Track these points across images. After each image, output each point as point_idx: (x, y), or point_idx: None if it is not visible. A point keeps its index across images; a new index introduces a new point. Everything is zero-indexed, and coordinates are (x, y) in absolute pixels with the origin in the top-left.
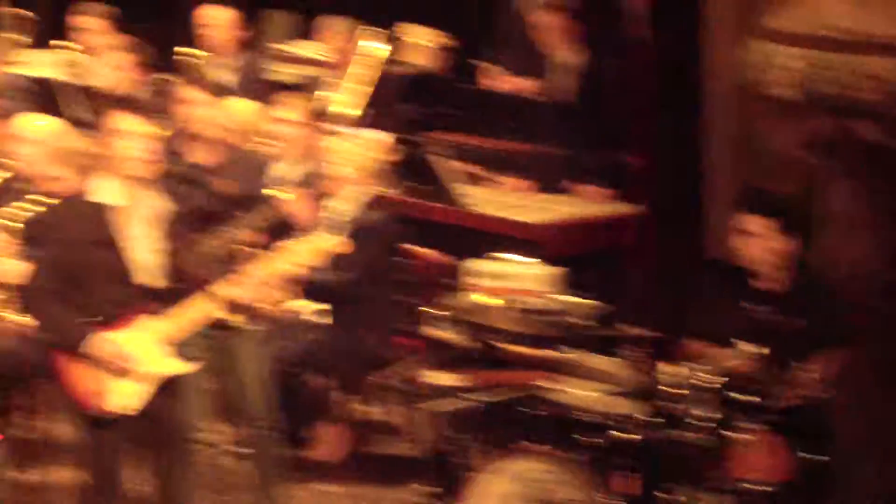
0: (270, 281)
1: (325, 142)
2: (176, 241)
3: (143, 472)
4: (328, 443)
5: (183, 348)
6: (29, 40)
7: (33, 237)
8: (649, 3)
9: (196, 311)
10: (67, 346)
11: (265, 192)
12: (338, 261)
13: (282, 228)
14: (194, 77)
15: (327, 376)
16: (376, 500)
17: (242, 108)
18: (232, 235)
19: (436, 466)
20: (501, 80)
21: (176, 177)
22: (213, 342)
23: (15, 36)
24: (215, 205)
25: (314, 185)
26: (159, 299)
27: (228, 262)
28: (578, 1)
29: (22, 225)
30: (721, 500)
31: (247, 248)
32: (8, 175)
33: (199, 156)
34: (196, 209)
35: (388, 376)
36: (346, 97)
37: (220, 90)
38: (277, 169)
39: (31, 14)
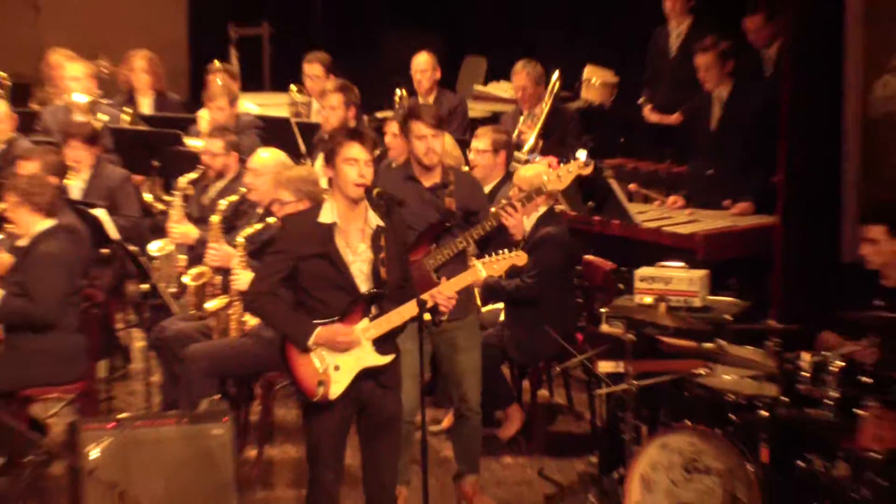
0: (470, 287)
1: (514, 167)
2: (384, 252)
3: (356, 450)
4: (515, 422)
5: (385, 343)
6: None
7: (257, 251)
8: (791, 44)
9: (402, 313)
10: (291, 338)
11: (485, 208)
12: (517, 268)
13: (493, 240)
14: (420, 113)
15: (513, 366)
16: (557, 470)
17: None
18: (455, 246)
19: (605, 441)
20: (654, 113)
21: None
22: (431, 336)
23: (235, 83)
24: (443, 219)
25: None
26: (372, 302)
27: (443, 269)
28: (728, 43)
29: (243, 241)
30: (848, 467)
31: (465, 256)
32: (236, 198)
33: (428, 179)
34: (427, 225)
35: (568, 366)
36: (534, 130)
37: (441, 123)
38: None
39: (236, 66)
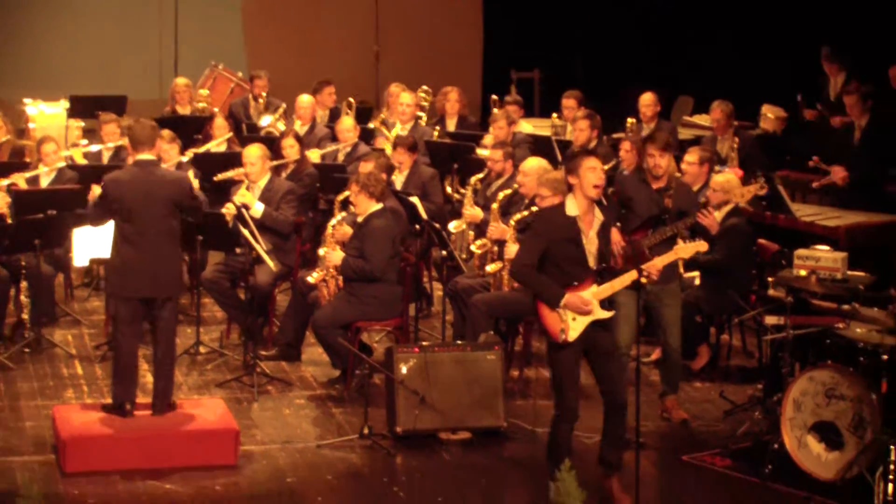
0: (671, 261)
1: (714, 176)
2: (606, 238)
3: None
4: (704, 357)
5: (606, 300)
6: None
7: (521, 230)
8: None
9: (623, 280)
10: (545, 300)
11: (694, 209)
12: (711, 249)
13: (693, 231)
14: (654, 138)
15: (703, 317)
16: (733, 393)
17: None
18: (666, 233)
19: (768, 373)
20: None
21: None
22: (644, 293)
23: (516, 110)
24: (660, 213)
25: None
26: (599, 274)
27: (654, 249)
28: (867, 87)
29: (514, 222)
30: None
31: (674, 241)
32: (510, 192)
33: (655, 183)
34: (648, 216)
35: (743, 318)
36: (725, 149)
37: (667, 146)
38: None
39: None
